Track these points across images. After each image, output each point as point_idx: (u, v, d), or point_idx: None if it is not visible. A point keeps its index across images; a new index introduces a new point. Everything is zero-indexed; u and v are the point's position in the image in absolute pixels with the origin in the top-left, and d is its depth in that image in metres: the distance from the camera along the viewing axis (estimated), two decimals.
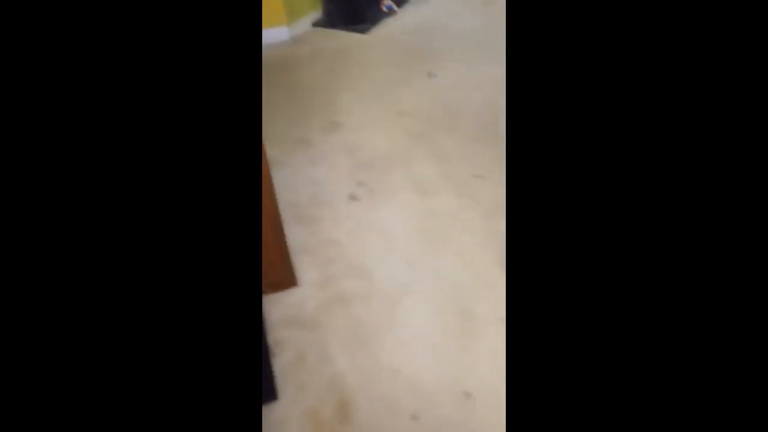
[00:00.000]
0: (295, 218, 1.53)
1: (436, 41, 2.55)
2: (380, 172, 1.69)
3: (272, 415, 1.05)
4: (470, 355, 1.12)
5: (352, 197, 1.60)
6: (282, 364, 1.14)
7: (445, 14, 2.86)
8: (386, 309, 1.25)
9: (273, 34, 2.66)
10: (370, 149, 1.81)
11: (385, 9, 2.94)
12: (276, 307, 1.28)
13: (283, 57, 2.53)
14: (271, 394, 1.07)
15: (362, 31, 2.76)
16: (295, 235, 1.46)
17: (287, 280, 1.31)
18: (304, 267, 1.38)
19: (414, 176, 1.66)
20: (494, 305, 1.21)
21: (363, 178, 1.67)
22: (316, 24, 2.93)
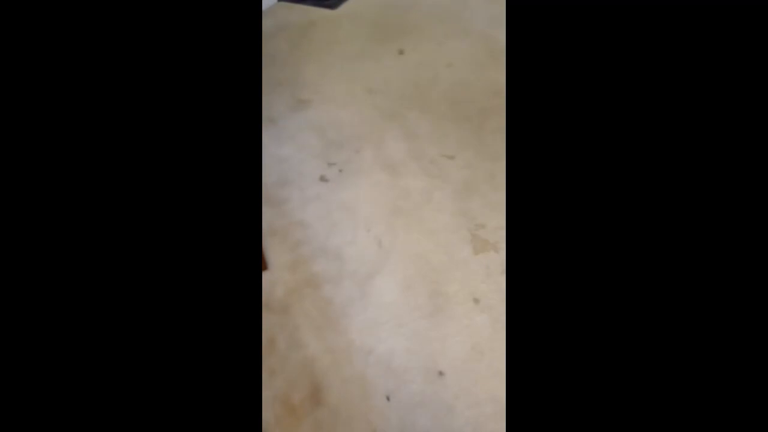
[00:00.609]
0: (264, 200, 1.49)
1: (406, 17, 2.49)
2: (350, 151, 1.66)
3: None
4: (442, 333, 1.13)
5: (322, 177, 1.56)
6: None
7: None
8: (357, 290, 1.24)
9: None
10: (339, 128, 1.77)
11: None
12: None
13: None
14: None
15: (330, 6, 2.66)
16: (263, 218, 1.42)
17: None
18: (273, 250, 1.34)
19: (384, 156, 1.63)
20: (465, 284, 1.22)
21: (332, 158, 1.63)
22: None
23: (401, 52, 2.18)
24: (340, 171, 1.58)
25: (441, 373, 1.05)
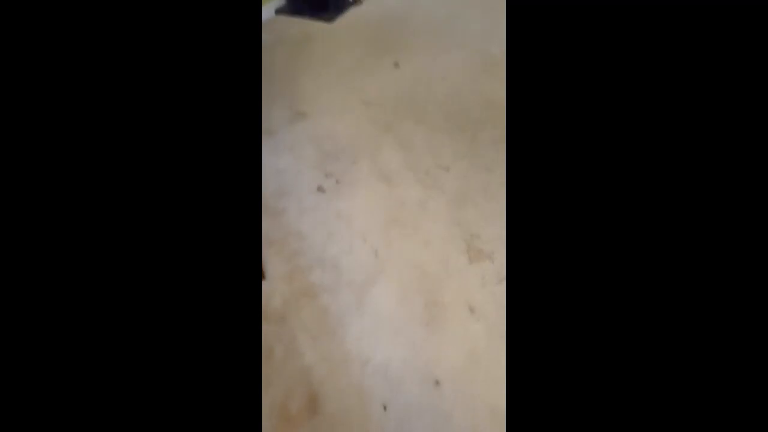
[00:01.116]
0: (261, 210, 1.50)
1: (401, 31, 2.54)
2: (346, 162, 1.68)
3: None
4: (438, 342, 1.13)
5: (319, 188, 1.58)
6: None
7: (410, 4, 2.84)
8: (354, 299, 1.24)
9: None
10: (336, 139, 1.79)
11: None
12: None
13: None
14: None
15: (326, 20, 2.71)
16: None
17: None
18: (270, 260, 1.35)
19: (380, 167, 1.65)
20: (461, 293, 1.23)
21: (329, 169, 1.65)
22: (279, 11, 2.85)
23: (397, 65, 2.22)
24: (337, 182, 1.60)
25: (437, 382, 1.06)
